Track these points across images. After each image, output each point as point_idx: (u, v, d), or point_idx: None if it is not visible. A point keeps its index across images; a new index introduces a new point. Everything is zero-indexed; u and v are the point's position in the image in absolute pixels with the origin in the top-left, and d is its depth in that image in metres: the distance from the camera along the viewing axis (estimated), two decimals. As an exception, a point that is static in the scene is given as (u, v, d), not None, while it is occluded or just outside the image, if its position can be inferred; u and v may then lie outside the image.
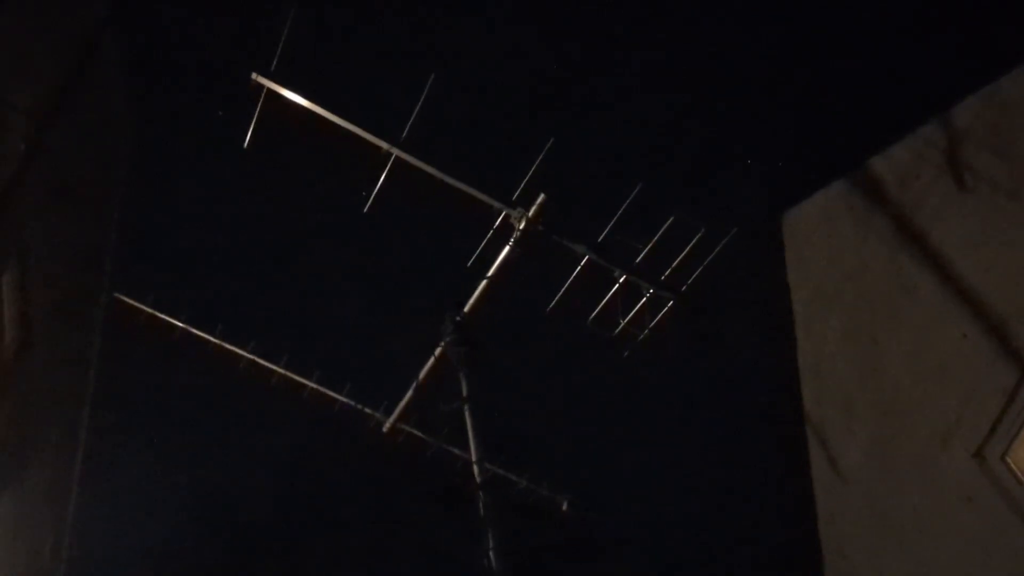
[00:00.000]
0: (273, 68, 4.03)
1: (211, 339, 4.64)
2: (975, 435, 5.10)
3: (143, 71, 6.88)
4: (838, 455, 6.40)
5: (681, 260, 4.15)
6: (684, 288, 4.17)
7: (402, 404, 4.68)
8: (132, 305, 4.66)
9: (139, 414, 7.04)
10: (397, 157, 4.11)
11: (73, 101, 5.43)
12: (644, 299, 4.13)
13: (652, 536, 6.99)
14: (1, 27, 4.24)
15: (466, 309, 4.43)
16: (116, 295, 4.73)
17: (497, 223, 4.15)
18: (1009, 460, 4.99)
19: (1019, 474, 4.96)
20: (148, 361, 6.36)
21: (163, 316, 4.65)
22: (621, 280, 4.13)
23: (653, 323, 4.15)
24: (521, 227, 4.09)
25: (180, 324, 4.65)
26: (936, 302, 5.35)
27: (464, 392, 4.33)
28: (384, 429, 4.73)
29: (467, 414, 4.32)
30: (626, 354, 4.26)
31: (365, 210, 4.26)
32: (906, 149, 5.50)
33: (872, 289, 5.94)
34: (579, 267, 4.15)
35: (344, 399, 4.71)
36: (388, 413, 4.72)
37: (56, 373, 6.16)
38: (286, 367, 4.69)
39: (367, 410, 4.71)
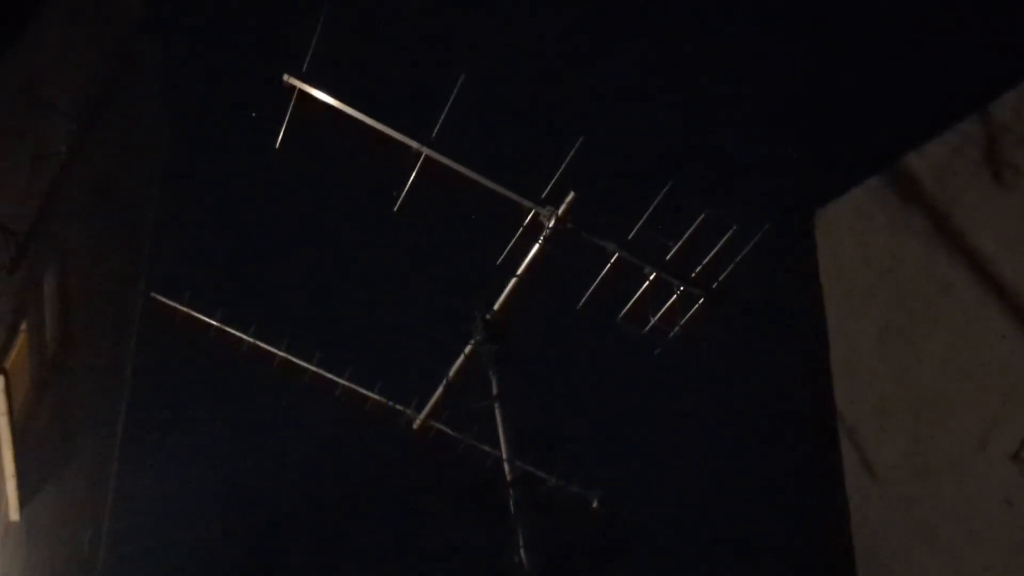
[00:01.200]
0: (304, 69, 4.07)
1: (245, 338, 4.69)
2: (1014, 436, 5.01)
3: (177, 75, 7.01)
4: (872, 456, 6.31)
5: (712, 257, 4.11)
6: (715, 285, 4.12)
7: (432, 401, 4.69)
8: (168, 304, 4.71)
9: (174, 410, 7.17)
10: (427, 156, 4.12)
11: (111, 105, 5.56)
12: (675, 296, 4.09)
13: (681, 534, 6.94)
14: (44, 33, 4.35)
15: (496, 307, 4.43)
16: (153, 294, 4.80)
17: (527, 221, 4.14)
18: (1049, 462, 4.89)
19: (1060, 476, 4.85)
20: (184, 359, 6.46)
21: (198, 315, 4.70)
22: (651, 277, 4.10)
23: (683, 320, 4.11)
24: (551, 225, 4.09)
25: (215, 323, 4.69)
26: (973, 301, 5.26)
27: (494, 390, 4.34)
28: (414, 426, 4.75)
29: (497, 411, 4.33)
30: (656, 351, 4.23)
31: (395, 209, 4.28)
32: (943, 145, 5.41)
33: (907, 287, 5.86)
34: (609, 264, 4.13)
35: (376, 396, 4.73)
36: (419, 410, 4.74)
37: (95, 369, 6.30)
38: (319, 365, 4.72)
39: (398, 407, 4.73)
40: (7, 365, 4.26)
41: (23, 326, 4.54)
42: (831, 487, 6.53)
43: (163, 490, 7.04)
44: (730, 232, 4.07)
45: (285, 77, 4.08)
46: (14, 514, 4.60)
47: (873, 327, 6.19)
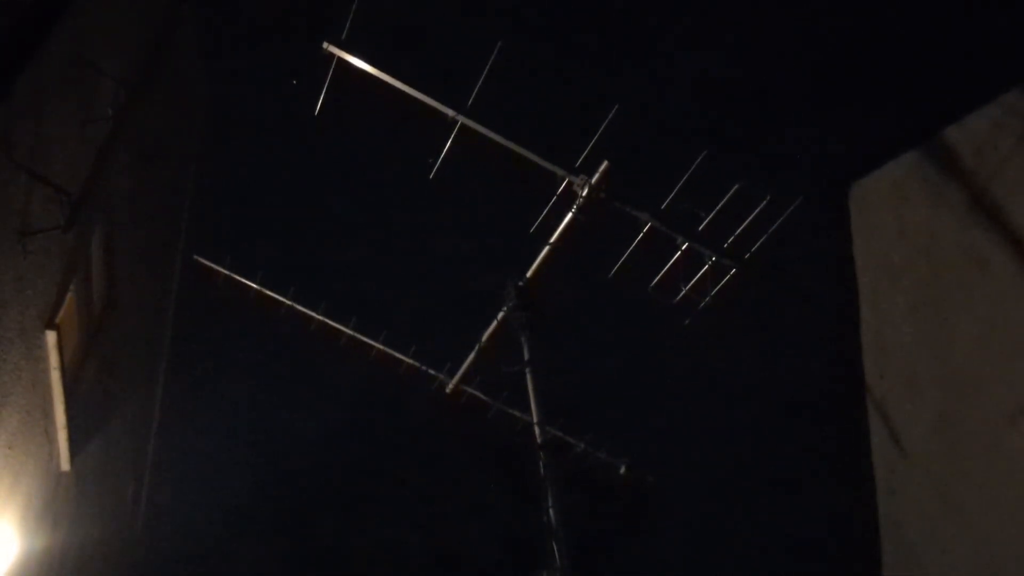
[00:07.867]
0: (344, 37, 4.12)
1: (284, 300, 4.80)
2: (1045, 413, 4.99)
3: (219, 43, 7.10)
4: (900, 430, 6.32)
5: (745, 228, 4.12)
6: (747, 256, 4.14)
7: (465, 366, 4.79)
8: (209, 266, 4.83)
9: (212, 370, 7.37)
10: (463, 124, 4.16)
11: (155, 71, 5.66)
12: (706, 267, 4.11)
13: (707, 502, 7.03)
14: (94, 1, 4.44)
15: (528, 275, 4.49)
16: (195, 256, 4.92)
17: (560, 190, 4.18)
18: (1080, 439, 4.86)
19: (1091, 453, 4.83)
20: (223, 320, 6.64)
21: (239, 278, 4.82)
22: (683, 248, 4.12)
23: (715, 291, 4.14)
24: (584, 194, 4.12)
25: (254, 285, 4.81)
26: (1010, 278, 5.21)
27: (525, 356, 4.42)
28: (447, 390, 4.85)
29: (528, 377, 4.41)
30: (687, 322, 4.27)
31: (431, 176, 4.34)
32: (984, 118, 5.32)
33: (942, 263, 5.81)
34: (641, 234, 4.16)
35: (409, 360, 4.83)
36: (451, 375, 4.84)
37: (138, 329, 6.49)
38: (354, 329, 4.82)
39: (431, 371, 4.83)
40: (59, 321, 4.42)
41: (72, 284, 4.69)
42: (858, 460, 6.55)
43: (201, 447, 7.27)
44: (763, 204, 4.07)
45: (324, 45, 4.13)
46: (65, 464, 4.80)
47: (906, 302, 6.15)
